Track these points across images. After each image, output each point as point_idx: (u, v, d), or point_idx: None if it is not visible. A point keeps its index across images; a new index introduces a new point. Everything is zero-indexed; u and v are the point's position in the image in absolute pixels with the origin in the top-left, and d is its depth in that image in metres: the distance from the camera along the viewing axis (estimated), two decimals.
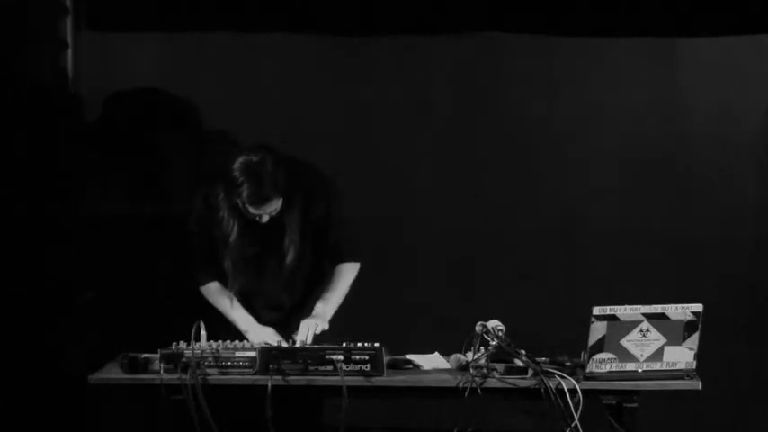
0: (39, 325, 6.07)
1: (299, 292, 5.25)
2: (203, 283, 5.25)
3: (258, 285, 5.22)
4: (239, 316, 5.17)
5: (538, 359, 4.75)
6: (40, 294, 6.09)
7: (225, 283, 5.19)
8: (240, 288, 5.17)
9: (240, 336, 5.08)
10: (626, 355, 4.66)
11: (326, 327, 5.08)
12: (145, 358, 4.84)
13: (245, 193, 4.92)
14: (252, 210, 4.98)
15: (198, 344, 4.78)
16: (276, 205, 5.00)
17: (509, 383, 4.70)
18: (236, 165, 4.92)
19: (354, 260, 5.29)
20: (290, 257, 5.14)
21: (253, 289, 5.22)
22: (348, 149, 6.34)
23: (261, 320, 5.19)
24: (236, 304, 5.18)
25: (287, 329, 5.12)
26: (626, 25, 6.25)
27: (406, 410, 5.76)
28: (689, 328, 4.65)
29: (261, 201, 4.95)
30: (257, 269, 5.19)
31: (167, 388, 4.73)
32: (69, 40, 6.30)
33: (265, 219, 5.03)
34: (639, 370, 4.68)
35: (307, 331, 5.00)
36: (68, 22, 6.31)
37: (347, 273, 5.27)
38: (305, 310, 5.17)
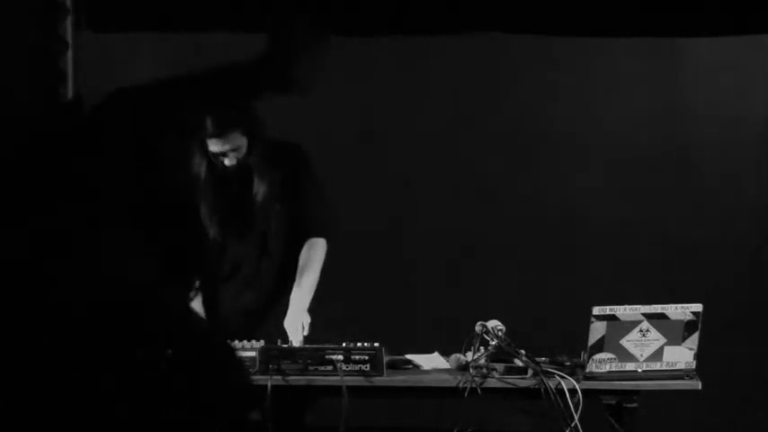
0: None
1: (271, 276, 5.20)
2: None
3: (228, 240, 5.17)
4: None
5: (538, 359, 4.75)
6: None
7: None
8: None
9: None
10: (626, 355, 4.66)
11: (309, 318, 5.03)
12: None
13: (209, 128, 4.89)
14: (214, 147, 4.94)
15: None
16: (240, 142, 4.98)
17: (509, 383, 4.70)
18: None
19: (322, 236, 5.15)
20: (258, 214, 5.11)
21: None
22: (348, 149, 6.33)
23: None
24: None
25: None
26: (626, 25, 6.24)
27: (406, 410, 5.75)
28: (689, 328, 4.65)
29: (223, 130, 4.92)
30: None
31: None
32: (69, 40, 6.29)
33: (231, 161, 5.00)
34: (639, 370, 4.68)
35: (296, 333, 4.97)
36: (68, 22, 6.30)
37: (317, 253, 5.12)
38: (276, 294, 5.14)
